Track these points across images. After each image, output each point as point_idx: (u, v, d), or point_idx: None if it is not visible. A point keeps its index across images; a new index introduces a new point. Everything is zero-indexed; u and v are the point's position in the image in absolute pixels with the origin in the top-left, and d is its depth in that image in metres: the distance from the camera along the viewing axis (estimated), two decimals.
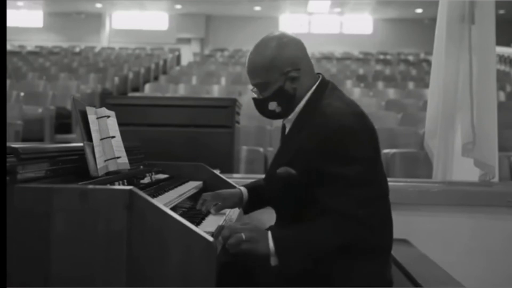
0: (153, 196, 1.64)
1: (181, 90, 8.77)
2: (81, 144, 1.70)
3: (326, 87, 1.70)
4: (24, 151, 1.38)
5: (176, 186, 2.08)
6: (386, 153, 4.26)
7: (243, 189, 1.98)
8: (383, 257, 1.67)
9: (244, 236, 1.47)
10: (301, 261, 1.51)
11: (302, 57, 1.68)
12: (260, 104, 1.71)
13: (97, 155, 1.73)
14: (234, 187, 2.28)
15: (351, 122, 1.55)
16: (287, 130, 1.75)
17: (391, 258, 1.73)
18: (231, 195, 1.95)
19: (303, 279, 1.59)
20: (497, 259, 2.66)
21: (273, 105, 1.68)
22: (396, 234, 1.72)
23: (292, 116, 1.70)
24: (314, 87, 1.68)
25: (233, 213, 2.08)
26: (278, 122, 5.87)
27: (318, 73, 1.75)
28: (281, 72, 1.64)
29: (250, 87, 1.75)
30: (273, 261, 1.49)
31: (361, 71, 11.42)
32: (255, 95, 1.73)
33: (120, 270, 1.31)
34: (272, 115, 1.72)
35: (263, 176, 2.12)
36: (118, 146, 1.92)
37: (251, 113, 6.22)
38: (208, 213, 1.91)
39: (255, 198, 1.96)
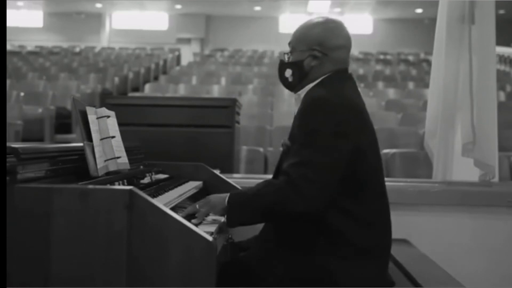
0: (153, 196, 1.64)
1: (181, 90, 8.77)
2: (81, 144, 1.70)
3: (341, 75, 1.73)
4: (24, 151, 1.38)
5: (176, 186, 2.08)
6: (386, 153, 4.25)
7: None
8: (378, 259, 1.66)
9: (198, 206, 1.71)
10: (242, 214, 1.62)
11: (337, 48, 1.72)
12: (280, 67, 1.81)
13: (97, 155, 1.73)
14: (234, 187, 2.28)
15: (334, 101, 1.61)
16: (296, 107, 1.79)
17: (389, 256, 1.73)
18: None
19: (304, 279, 1.59)
20: (497, 259, 2.66)
21: (288, 73, 1.78)
22: (396, 234, 1.73)
23: (302, 92, 1.76)
24: (329, 73, 1.72)
25: None
26: (278, 122, 5.89)
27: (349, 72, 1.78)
28: (309, 47, 1.72)
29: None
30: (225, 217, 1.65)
31: (361, 71, 11.41)
32: (284, 57, 1.81)
33: (120, 270, 1.31)
34: (284, 82, 1.81)
35: (263, 176, 2.12)
36: (118, 146, 1.92)
37: (251, 113, 6.25)
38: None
39: None
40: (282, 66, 1.80)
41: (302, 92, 1.76)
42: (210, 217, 1.82)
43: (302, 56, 1.73)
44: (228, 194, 1.67)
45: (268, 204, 1.59)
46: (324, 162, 1.55)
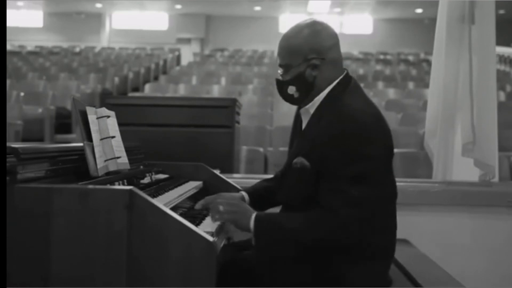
0: (153, 196, 1.64)
1: (181, 90, 8.77)
2: (81, 144, 1.70)
3: (349, 83, 1.69)
4: (24, 151, 1.38)
5: (176, 186, 2.08)
6: None
7: (243, 193, 1.98)
8: (384, 260, 1.67)
9: (222, 208, 1.62)
10: (274, 247, 1.54)
11: (330, 48, 1.67)
12: (281, 86, 1.73)
13: (97, 155, 1.73)
14: (234, 187, 2.28)
15: (366, 122, 1.55)
16: (304, 121, 1.74)
17: (393, 257, 1.73)
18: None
19: (304, 279, 1.59)
20: (497, 259, 2.66)
21: (292, 89, 1.70)
22: (396, 234, 1.72)
23: (310, 106, 1.69)
24: (336, 81, 1.67)
25: None
26: (278, 122, 5.88)
27: (344, 68, 1.74)
28: (305, 58, 1.65)
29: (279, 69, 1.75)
30: (253, 240, 1.55)
31: (361, 71, 11.41)
32: (279, 76, 1.73)
33: (120, 270, 1.31)
34: (290, 99, 1.73)
35: (263, 176, 2.12)
36: (118, 146, 1.92)
37: (251, 113, 6.25)
38: (208, 213, 1.91)
39: (257, 200, 1.95)
40: (282, 84, 1.71)
41: (311, 107, 1.69)
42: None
43: (300, 69, 1.66)
44: (254, 216, 1.57)
45: (310, 242, 1.53)
46: (371, 197, 1.51)
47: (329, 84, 1.67)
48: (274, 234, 1.55)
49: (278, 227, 1.56)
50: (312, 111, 1.69)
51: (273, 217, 1.61)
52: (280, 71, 1.73)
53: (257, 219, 1.56)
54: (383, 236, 1.63)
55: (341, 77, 1.69)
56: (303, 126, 1.74)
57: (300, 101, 1.73)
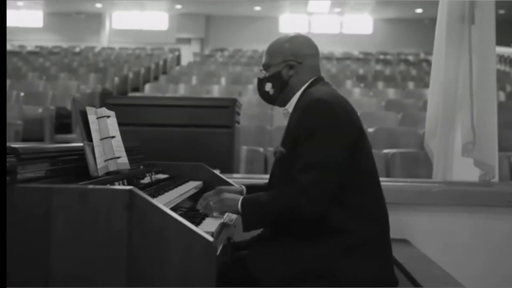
0: (153, 196, 1.64)
1: (181, 90, 8.77)
2: (81, 144, 1.70)
3: (319, 81, 1.84)
4: (24, 151, 1.38)
5: (176, 186, 2.08)
6: (386, 153, 4.26)
7: (243, 186, 2.01)
8: (381, 251, 1.67)
9: (211, 202, 1.77)
10: (254, 219, 1.67)
11: (308, 56, 1.84)
12: (259, 84, 1.90)
13: (97, 155, 1.73)
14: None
15: (328, 101, 1.67)
16: (286, 121, 1.85)
17: (391, 255, 1.74)
18: (232, 191, 1.96)
19: (304, 279, 1.59)
20: (497, 259, 2.66)
21: (268, 86, 1.86)
22: (396, 234, 1.73)
23: (289, 106, 1.84)
24: (309, 81, 1.83)
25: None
26: (278, 122, 5.88)
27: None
28: (284, 59, 1.83)
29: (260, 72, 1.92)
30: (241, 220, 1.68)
31: (361, 71, 11.42)
32: (262, 75, 1.90)
33: (120, 270, 1.31)
34: (266, 97, 1.89)
35: (263, 176, 2.13)
36: (118, 146, 1.92)
37: (251, 113, 6.25)
38: None
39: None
40: (261, 82, 1.88)
41: (289, 107, 1.83)
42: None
43: (279, 68, 1.83)
44: (241, 198, 1.71)
45: (281, 211, 1.64)
46: (328, 163, 1.61)
47: (303, 84, 1.82)
48: (254, 208, 1.68)
49: (257, 201, 1.70)
50: (291, 110, 1.82)
51: (256, 195, 1.75)
52: (262, 71, 1.89)
53: (243, 199, 1.71)
54: (370, 223, 1.66)
55: (314, 78, 1.84)
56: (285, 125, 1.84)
57: (274, 99, 1.87)
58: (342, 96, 1.77)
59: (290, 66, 1.82)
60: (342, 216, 1.64)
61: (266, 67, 1.87)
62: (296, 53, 1.82)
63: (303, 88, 1.82)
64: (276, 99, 1.87)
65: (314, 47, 1.87)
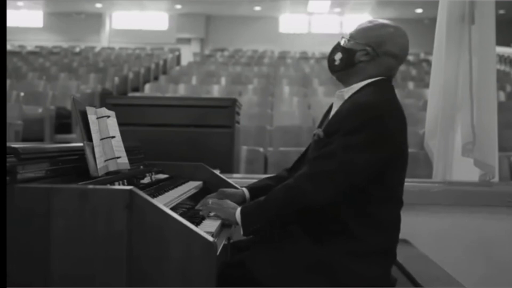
0: (153, 196, 1.64)
1: (181, 90, 8.77)
2: (81, 144, 1.70)
3: (387, 84, 1.77)
4: (24, 151, 1.38)
5: (176, 186, 2.07)
6: None
7: (244, 189, 2.00)
8: (386, 260, 1.68)
9: (210, 202, 1.79)
10: (259, 223, 1.64)
11: (390, 54, 1.74)
12: (334, 48, 1.83)
13: (97, 155, 1.73)
14: (234, 187, 2.28)
15: (382, 104, 1.64)
16: (336, 106, 1.81)
17: (395, 257, 1.74)
18: (234, 194, 1.96)
19: (305, 279, 1.59)
20: (497, 259, 2.66)
21: (338, 56, 1.80)
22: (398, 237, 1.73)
23: (347, 91, 1.78)
24: (378, 78, 1.75)
25: None
26: (278, 122, 5.88)
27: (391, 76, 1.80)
28: (367, 42, 1.74)
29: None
30: (241, 229, 1.67)
31: None
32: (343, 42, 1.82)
33: (120, 270, 1.31)
34: (331, 64, 1.82)
35: (263, 176, 2.12)
36: (118, 146, 1.92)
37: (251, 113, 6.25)
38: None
39: (257, 197, 1.95)
40: (336, 48, 1.82)
41: (347, 92, 1.77)
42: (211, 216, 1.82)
43: (357, 47, 1.75)
44: (239, 209, 1.69)
45: (282, 200, 1.63)
46: (350, 165, 1.59)
47: (369, 77, 1.75)
48: (257, 211, 1.66)
49: (258, 204, 1.67)
50: (346, 96, 1.77)
51: (255, 201, 1.73)
52: (343, 38, 1.81)
53: (242, 208, 1.69)
54: (385, 235, 1.66)
55: (384, 77, 1.76)
56: (334, 110, 1.80)
57: (335, 70, 1.81)
58: (401, 108, 1.73)
59: (366, 53, 1.74)
60: (357, 222, 1.62)
61: (350, 38, 1.79)
62: (381, 44, 1.73)
63: (367, 81, 1.75)
64: (338, 72, 1.81)
65: (401, 48, 1.77)
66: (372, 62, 1.74)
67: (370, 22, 1.81)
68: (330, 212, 1.62)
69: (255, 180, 2.10)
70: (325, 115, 1.91)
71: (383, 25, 1.77)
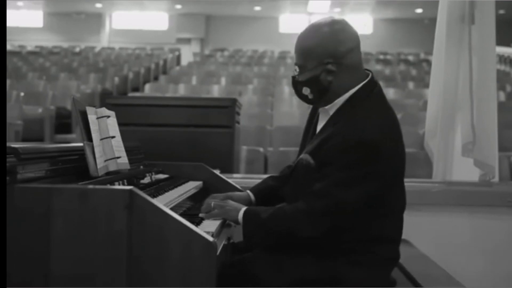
0: (153, 196, 1.64)
1: (181, 90, 8.77)
2: (81, 144, 1.70)
3: (373, 88, 1.65)
4: (24, 151, 1.38)
5: (176, 186, 2.08)
6: None
7: (249, 192, 1.98)
8: (387, 269, 1.69)
9: (213, 204, 1.74)
10: (256, 235, 1.63)
11: (348, 52, 1.60)
12: (295, 85, 1.69)
13: (97, 155, 1.73)
14: (234, 187, 2.28)
15: (377, 140, 1.53)
16: (321, 122, 1.71)
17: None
18: (240, 198, 1.94)
19: (305, 280, 1.59)
20: (497, 259, 2.66)
21: (306, 91, 1.66)
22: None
23: (330, 108, 1.66)
24: (361, 85, 1.63)
25: None
26: (278, 122, 5.89)
27: (367, 70, 1.69)
28: (320, 61, 1.60)
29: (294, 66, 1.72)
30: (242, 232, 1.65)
31: None
32: (295, 73, 1.69)
33: (120, 270, 1.31)
34: (305, 99, 1.70)
35: (263, 176, 2.12)
36: (118, 146, 1.92)
37: (251, 113, 6.25)
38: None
39: (263, 201, 1.94)
40: (297, 84, 1.68)
41: (331, 108, 1.66)
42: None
43: (316, 72, 1.61)
44: (243, 210, 1.67)
45: (281, 231, 1.60)
46: (348, 202, 1.53)
47: (347, 90, 1.63)
48: (255, 224, 1.63)
49: (258, 217, 1.63)
50: (331, 113, 1.66)
51: (258, 209, 1.69)
52: (296, 68, 1.68)
53: (245, 211, 1.66)
54: (387, 245, 1.65)
55: (364, 82, 1.64)
56: (319, 126, 1.71)
57: (315, 102, 1.71)
58: (395, 121, 1.65)
59: (328, 71, 1.60)
60: (360, 237, 1.61)
61: (300, 68, 1.65)
62: (334, 52, 1.58)
63: (351, 92, 1.62)
64: (318, 102, 1.68)
65: (352, 38, 1.61)
66: (341, 73, 1.60)
67: (302, 39, 1.66)
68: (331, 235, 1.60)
69: (255, 180, 2.10)
70: (308, 123, 1.83)
71: (316, 31, 1.62)
